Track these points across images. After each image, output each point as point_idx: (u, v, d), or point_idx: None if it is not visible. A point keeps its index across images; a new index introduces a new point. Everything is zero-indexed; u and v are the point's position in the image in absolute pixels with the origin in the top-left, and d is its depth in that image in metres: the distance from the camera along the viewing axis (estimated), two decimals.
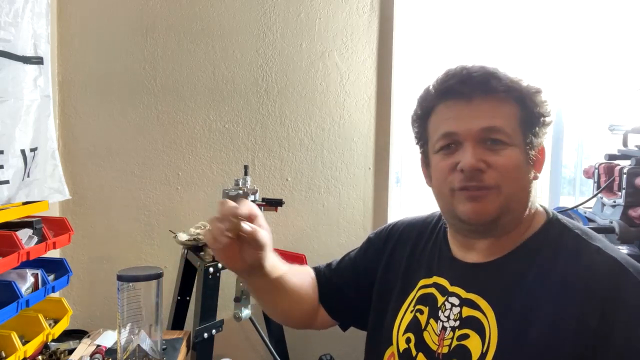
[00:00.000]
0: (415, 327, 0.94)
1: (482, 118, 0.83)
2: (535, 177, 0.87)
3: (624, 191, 1.74)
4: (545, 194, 2.33)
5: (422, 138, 0.93)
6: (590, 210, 1.97)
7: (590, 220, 1.93)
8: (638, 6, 2.15)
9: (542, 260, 0.84)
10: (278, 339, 1.79)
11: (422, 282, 0.97)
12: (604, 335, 0.74)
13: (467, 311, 0.87)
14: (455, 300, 0.90)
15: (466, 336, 0.85)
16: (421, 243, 1.02)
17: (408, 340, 0.94)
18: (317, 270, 1.14)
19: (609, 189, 1.83)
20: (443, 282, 0.94)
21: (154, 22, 2.02)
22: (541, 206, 0.93)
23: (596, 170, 1.90)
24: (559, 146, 2.31)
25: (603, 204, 1.88)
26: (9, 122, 1.40)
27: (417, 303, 0.96)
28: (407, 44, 2.15)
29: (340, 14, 2.07)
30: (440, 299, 0.92)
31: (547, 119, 0.86)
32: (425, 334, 0.92)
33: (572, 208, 1.92)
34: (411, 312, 0.96)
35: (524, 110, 0.84)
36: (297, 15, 2.06)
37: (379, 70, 2.10)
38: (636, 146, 1.80)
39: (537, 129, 0.85)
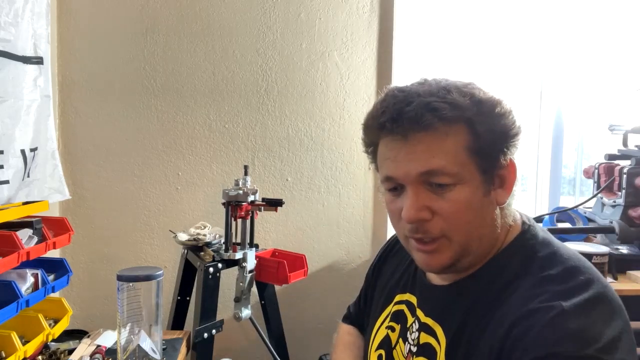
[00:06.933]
0: (386, 344, 0.92)
1: (419, 160, 0.73)
2: (499, 202, 0.77)
3: (624, 191, 1.74)
4: (545, 194, 2.33)
5: (375, 165, 0.84)
6: (590, 210, 1.97)
7: (590, 220, 1.94)
8: (638, 6, 2.15)
9: (495, 287, 0.76)
10: (278, 339, 1.79)
11: (398, 298, 0.94)
12: None
13: (424, 337, 0.82)
14: (416, 324, 0.86)
15: None
16: (405, 257, 0.97)
17: (380, 357, 0.92)
18: (350, 320, 1.16)
19: (609, 189, 1.83)
20: (413, 300, 0.89)
21: (154, 22, 2.02)
22: (519, 214, 0.84)
23: (596, 170, 1.90)
24: (559, 146, 2.31)
25: (603, 204, 1.88)
26: (9, 122, 1.40)
27: (391, 319, 0.93)
28: (407, 44, 2.15)
29: (340, 14, 2.07)
30: (410, 320, 0.88)
31: (512, 132, 0.76)
32: (395, 353, 0.90)
33: (572, 208, 1.93)
34: (386, 328, 0.94)
35: (475, 134, 0.73)
36: (297, 15, 2.06)
37: (379, 70, 2.10)
38: (636, 146, 1.80)
39: (499, 147, 0.75)
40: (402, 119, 0.73)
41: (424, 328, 0.83)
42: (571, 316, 0.66)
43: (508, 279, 0.76)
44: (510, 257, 0.78)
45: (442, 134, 0.73)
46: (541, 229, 0.83)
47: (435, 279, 0.87)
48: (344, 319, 1.18)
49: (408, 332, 0.88)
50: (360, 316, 1.12)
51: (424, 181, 0.74)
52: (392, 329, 0.92)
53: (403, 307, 0.92)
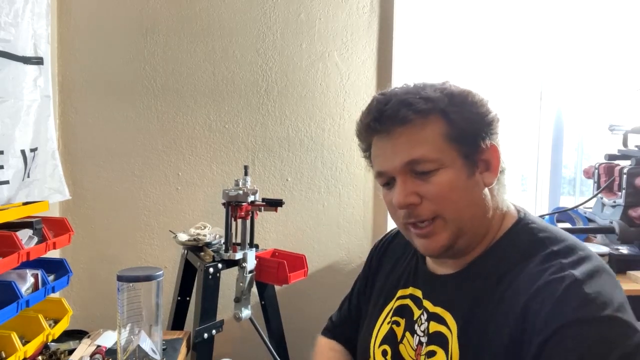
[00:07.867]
0: (391, 339, 0.92)
1: (401, 152, 0.80)
2: (487, 184, 0.83)
3: (624, 191, 1.74)
4: (545, 194, 2.33)
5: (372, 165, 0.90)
6: (590, 210, 1.97)
7: (590, 220, 1.94)
8: (638, 6, 2.15)
9: (501, 269, 0.80)
10: (278, 339, 1.79)
11: (399, 293, 0.96)
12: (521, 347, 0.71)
13: (433, 326, 0.85)
14: (424, 315, 0.88)
15: (433, 353, 0.83)
16: (404, 256, 1.00)
17: (384, 353, 0.93)
18: (333, 333, 1.15)
19: (609, 189, 1.83)
20: (418, 293, 0.92)
21: (154, 22, 2.02)
22: (513, 205, 0.89)
23: (596, 170, 1.90)
24: (559, 146, 2.31)
25: (603, 204, 1.88)
26: (9, 122, 1.40)
27: (393, 314, 0.94)
28: (407, 44, 2.15)
29: (340, 14, 2.07)
30: (417, 312, 0.90)
31: (487, 118, 0.82)
32: (402, 347, 0.90)
33: (572, 208, 1.93)
34: (388, 323, 0.94)
35: (450, 123, 0.80)
36: (297, 15, 2.06)
37: (379, 70, 2.10)
38: (636, 146, 1.80)
39: (476, 133, 0.81)
40: (383, 117, 0.81)
41: (434, 317, 0.85)
42: (584, 283, 0.71)
43: (514, 260, 0.80)
44: (513, 240, 0.83)
45: (419, 125, 0.80)
46: (536, 217, 0.88)
47: (438, 269, 0.90)
48: (325, 332, 1.17)
49: (416, 325, 0.89)
50: (345, 324, 1.11)
51: (410, 170, 0.81)
52: (397, 324, 0.93)
53: (407, 301, 0.93)
